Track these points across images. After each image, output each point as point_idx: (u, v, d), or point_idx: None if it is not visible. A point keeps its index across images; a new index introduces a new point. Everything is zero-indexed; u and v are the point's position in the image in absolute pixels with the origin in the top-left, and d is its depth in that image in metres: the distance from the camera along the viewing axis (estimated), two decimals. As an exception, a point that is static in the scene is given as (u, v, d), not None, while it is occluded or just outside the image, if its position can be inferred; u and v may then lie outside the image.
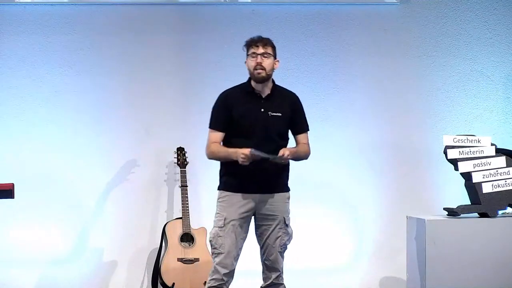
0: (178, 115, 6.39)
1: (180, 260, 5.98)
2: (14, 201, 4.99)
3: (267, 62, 4.73)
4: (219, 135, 4.77)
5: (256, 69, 4.72)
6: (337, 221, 6.41)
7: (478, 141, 5.45)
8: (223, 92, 4.85)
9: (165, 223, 6.16)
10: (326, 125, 6.44)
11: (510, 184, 5.41)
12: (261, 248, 4.85)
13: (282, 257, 4.86)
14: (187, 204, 6.01)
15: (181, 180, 6.09)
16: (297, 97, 4.92)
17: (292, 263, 6.28)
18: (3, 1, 6.27)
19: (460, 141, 5.43)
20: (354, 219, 6.44)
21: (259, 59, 4.72)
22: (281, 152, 4.63)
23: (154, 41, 6.36)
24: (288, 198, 4.90)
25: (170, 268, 5.96)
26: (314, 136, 6.39)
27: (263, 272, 4.87)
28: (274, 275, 4.83)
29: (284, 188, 4.89)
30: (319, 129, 6.43)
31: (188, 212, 6.00)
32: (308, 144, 4.91)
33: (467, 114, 6.53)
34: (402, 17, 6.51)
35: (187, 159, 6.16)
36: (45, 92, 6.31)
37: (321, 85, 6.47)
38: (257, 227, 4.83)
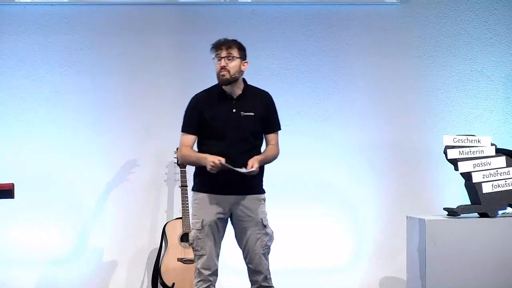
0: (178, 115, 6.33)
1: (180, 260, 5.98)
2: (14, 201, 5.00)
3: (231, 65, 4.72)
4: (191, 138, 4.78)
5: (220, 72, 4.73)
6: (337, 221, 6.41)
7: (478, 141, 5.45)
8: (194, 96, 4.87)
9: (165, 223, 6.16)
10: (326, 125, 6.44)
11: (510, 184, 5.41)
12: (243, 252, 4.82)
13: (266, 258, 4.80)
14: (187, 204, 6.01)
15: (181, 180, 6.09)
16: (270, 96, 4.91)
17: (292, 263, 6.30)
18: (3, 1, 6.27)
19: (460, 141, 5.43)
20: (354, 219, 6.43)
21: (222, 62, 4.72)
22: (249, 165, 4.61)
23: (154, 41, 6.36)
24: (264, 199, 4.85)
25: (170, 268, 5.96)
26: (314, 136, 6.43)
27: (249, 275, 4.84)
28: (260, 278, 4.79)
29: (259, 189, 4.84)
30: (319, 129, 6.44)
31: (188, 212, 6.00)
32: (277, 145, 4.88)
33: (467, 114, 6.53)
34: (402, 17, 6.51)
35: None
36: (45, 92, 6.31)
37: (321, 85, 6.46)
38: (235, 231, 4.81)
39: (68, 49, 6.32)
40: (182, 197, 6.04)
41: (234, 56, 4.74)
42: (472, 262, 5.30)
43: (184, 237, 6.02)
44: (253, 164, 4.62)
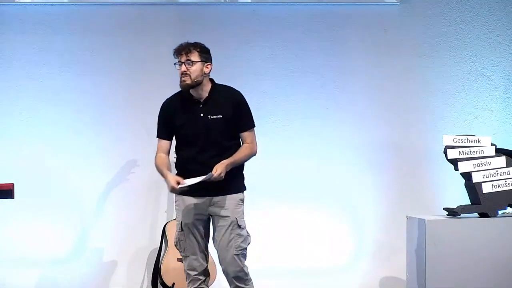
0: (178, 115, 6.38)
1: (180, 260, 5.97)
2: (14, 201, 4.99)
3: (192, 69, 4.70)
4: (165, 144, 4.82)
5: (181, 77, 4.72)
6: (337, 221, 6.40)
7: (478, 141, 5.45)
8: (164, 102, 4.89)
9: (165, 223, 6.16)
10: (326, 125, 6.44)
11: (510, 184, 5.41)
12: (217, 251, 4.79)
13: (241, 260, 4.73)
14: (187, 204, 6.01)
15: (181, 180, 6.08)
16: (238, 94, 4.84)
17: (292, 263, 6.30)
18: (3, 1, 6.27)
19: (460, 141, 5.43)
20: (354, 219, 6.43)
21: (183, 67, 4.71)
22: (214, 170, 4.58)
23: (154, 41, 6.36)
24: (242, 200, 4.80)
25: (170, 268, 5.96)
26: (314, 136, 6.43)
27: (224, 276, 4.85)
28: (231, 278, 4.74)
29: (236, 189, 4.79)
30: (319, 129, 6.44)
31: (188, 212, 6.00)
32: (252, 142, 4.81)
33: (467, 114, 6.53)
34: (402, 17, 6.51)
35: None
36: (45, 92, 6.31)
37: (321, 85, 6.46)
38: (213, 230, 4.80)
39: (68, 49, 6.32)
40: (182, 197, 6.03)
41: (194, 61, 4.72)
42: (472, 262, 5.30)
43: (184, 237, 6.02)
44: (217, 169, 4.58)
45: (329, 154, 6.41)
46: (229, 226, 4.72)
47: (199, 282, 4.78)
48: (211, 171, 4.56)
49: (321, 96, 6.46)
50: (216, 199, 4.73)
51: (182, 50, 4.75)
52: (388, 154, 6.46)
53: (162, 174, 4.74)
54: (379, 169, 6.44)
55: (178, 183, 4.59)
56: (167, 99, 4.89)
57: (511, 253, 5.33)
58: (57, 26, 6.31)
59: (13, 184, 4.78)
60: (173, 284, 5.93)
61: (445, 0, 6.53)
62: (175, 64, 4.76)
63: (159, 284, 6.00)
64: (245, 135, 4.80)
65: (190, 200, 4.74)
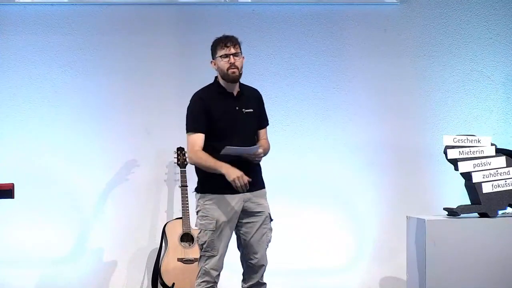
0: (178, 115, 6.33)
1: (180, 260, 5.98)
2: (14, 201, 4.99)
3: (239, 61, 4.72)
4: (201, 137, 4.68)
5: (231, 69, 4.69)
6: (337, 221, 6.41)
7: (478, 141, 5.45)
8: (196, 94, 4.80)
9: (165, 223, 6.16)
10: (326, 125, 6.44)
11: (510, 184, 5.41)
12: (244, 248, 4.78)
13: (266, 254, 4.83)
14: (187, 204, 6.01)
15: (181, 180, 6.09)
16: (259, 91, 4.93)
17: (292, 263, 6.30)
18: (3, 1, 6.27)
19: (460, 141, 5.43)
20: (354, 219, 6.43)
21: (231, 59, 4.69)
22: (259, 150, 4.65)
23: (154, 41, 6.36)
24: (266, 194, 4.87)
25: (170, 268, 5.96)
26: (313, 136, 6.43)
27: (245, 272, 4.82)
28: (260, 274, 4.78)
29: (263, 184, 4.87)
30: (319, 129, 6.44)
31: (188, 212, 6.00)
32: (268, 139, 4.92)
33: (467, 114, 6.53)
34: (402, 17, 6.51)
35: (187, 159, 6.16)
36: (45, 92, 6.31)
37: (321, 85, 6.46)
38: (241, 225, 4.76)
39: (68, 49, 6.32)
40: (182, 197, 6.04)
41: (240, 52, 4.73)
42: (472, 262, 5.30)
43: (184, 237, 6.02)
44: (260, 148, 4.67)
45: (329, 154, 6.41)
46: (263, 221, 4.76)
47: (213, 284, 4.74)
48: (243, 167, 4.58)
49: (321, 96, 6.46)
50: (249, 195, 4.73)
51: (230, 42, 4.71)
52: (388, 154, 6.46)
53: (215, 166, 4.58)
54: (379, 169, 6.44)
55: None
56: (199, 91, 4.81)
57: (511, 253, 5.33)
58: (57, 26, 6.31)
59: (13, 184, 4.78)
60: (173, 284, 5.93)
61: (445, 0, 6.53)
62: (216, 56, 4.71)
63: (159, 284, 6.00)
64: (263, 131, 4.90)
65: (228, 199, 4.69)
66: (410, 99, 6.50)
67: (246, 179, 4.54)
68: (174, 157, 6.18)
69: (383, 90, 6.48)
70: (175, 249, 6.00)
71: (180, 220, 6.06)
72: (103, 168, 6.30)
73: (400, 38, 6.50)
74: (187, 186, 6.05)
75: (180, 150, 6.16)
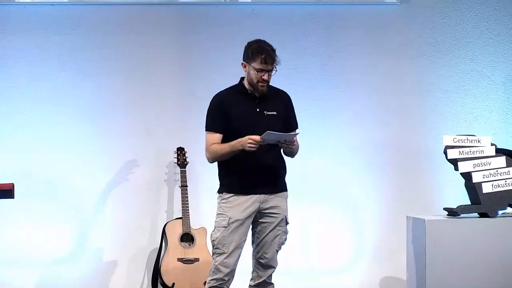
0: (178, 115, 6.39)
1: (180, 260, 5.98)
2: (14, 201, 4.99)
3: (271, 76, 4.76)
4: (218, 137, 4.76)
5: (261, 83, 4.73)
6: (337, 221, 6.41)
7: (478, 141, 5.45)
8: (217, 94, 4.86)
9: (165, 223, 6.16)
10: (326, 125, 6.44)
11: (510, 184, 5.41)
12: (256, 245, 4.85)
13: (276, 256, 4.87)
14: (187, 204, 6.01)
15: (181, 180, 6.09)
16: (288, 95, 4.95)
17: (292, 263, 6.30)
18: (3, 1, 6.27)
19: (460, 141, 5.43)
20: (354, 219, 6.43)
21: (266, 76, 4.73)
22: (292, 139, 4.69)
23: (154, 41, 6.36)
24: (287, 197, 4.93)
25: (170, 268, 5.96)
26: (314, 136, 6.43)
27: (254, 270, 4.87)
28: (268, 274, 4.83)
29: (285, 187, 4.93)
30: (319, 129, 6.44)
31: (188, 212, 6.00)
32: (297, 141, 4.92)
33: (467, 114, 6.53)
34: (402, 17, 6.51)
35: (187, 159, 6.16)
36: (45, 92, 6.31)
37: (321, 85, 6.47)
38: (257, 224, 4.83)
39: (68, 49, 6.32)
40: (182, 197, 6.04)
41: (275, 68, 4.76)
42: (472, 262, 5.30)
43: (184, 237, 6.02)
44: (295, 139, 4.72)
45: (329, 154, 6.41)
46: (279, 222, 4.81)
47: (222, 282, 4.75)
48: (265, 168, 4.69)
49: (320, 96, 6.46)
50: (268, 196, 4.79)
51: (270, 59, 4.71)
52: (388, 154, 6.46)
53: (231, 146, 4.67)
54: (379, 169, 6.45)
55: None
56: (220, 93, 4.85)
57: (511, 253, 5.33)
58: (57, 26, 6.31)
59: (13, 184, 4.78)
60: (173, 284, 5.93)
61: (445, 0, 6.53)
62: (251, 64, 4.71)
63: (159, 284, 6.00)
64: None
65: (244, 199, 4.74)
66: (410, 99, 6.50)
67: (256, 138, 4.58)
68: (174, 157, 6.18)
69: (383, 90, 6.48)
70: (175, 249, 6.00)
71: (180, 220, 6.06)
72: (103, 168, 6.30)
73: (400, 38, 6.50)
74: (187, 186, 6.05)
75: (180, 150, 6.17)
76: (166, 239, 6.06)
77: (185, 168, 6.12)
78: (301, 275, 6.34)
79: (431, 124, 6.49)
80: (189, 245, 6.01)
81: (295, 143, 4.75)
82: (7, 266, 6.21)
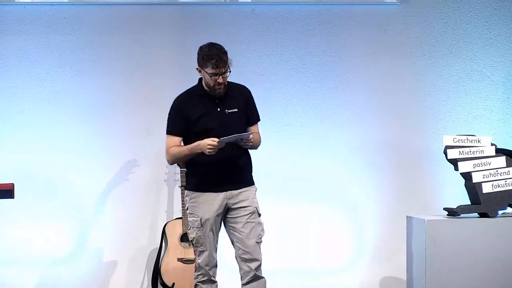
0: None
1: (180, 260, 5.98)
2: (14, 201, 4.99)
3: (226, 78, 4.79)
4: (177, 140, 4.85)
5: (217, 86, 4.77)
6: (337, 221, 6.41)
7: (478, 141, 5.45)
8: (177, 98, 4.93)
9: (165, 223, 6.16)
10: (326, 125, 6.44)
11: (510, 184, 5.40)
12: (235, 243, 4.87)
13: (260, 248, 4.87)
14: (187, 204, 6.01)
15: (181, 180, 6.09)
16: (248, 90, 4.97)
17: (292, 263, 6.30)
18: (3, 1, 6.27)
19: (460, 141, 5.43)
20: (354, 219, 6.43)
21: (220, 79, 4.76)
22: (251, 135, 4.72)
23: (154, 40, 6.36)
24: (255, 191, 4.93)
25: (170, 268, 5.96)
26: (314, 136, 6.43)
27: (241, 268, 4.89)
28: (254, 266, 4.84)
29: (251, 182, 4.93)
30: (319, 129, 6.44)
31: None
32: (259, 133, 4.97)
33: (467, 114, 6.53)
34: (402, 17, 6.51)
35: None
36: (45, 92, 6.31)
37: (321, 85, 6.46)
38: (228, 222, 4.87)
39: (68, 49, 6.32)
40: (182, 197, 6.03)
41: (228, 69, 4.79)
42: (472, 262, 5.30)
43: (184, 237, 6.02)
44: (253, 136, 4.74)
45: (329, 154, 6.41)
46: (251, 215, 4.84)
47: (208, 276, 4.88)
48: (227, 166, 4.72)
49: (320, 96, 6.46)
50: (234, 192, 4.83)
51: (222, 62, 4.73)
52: (388, 154, 6.46)
53: (190, 149, 4.76)
54: (379, 169, 6.44)
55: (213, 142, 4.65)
56: (179, 96, 4.93)
57: (511, 253, 5.33)
58: (57, 26, 6.31)
59: (13, 184, 4.78)
60: (173, 284, 5.93)
61: (445, 0, 6.53)
62: (204, 68, 4.76)
63: (159, 284, 6.00)
64: (253, 128, 4.94)
65: (210, 196, 4.81)
66: (410, 99, 6.50)
67: (214, 143, 4.63)
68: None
69: (383, 90, 6.48)
70: (175, 249, 6.00)
71: (180, 220, 6.06)
72: (103, 168, 6.31)
73: (400, 38, 6.50)
74: (187, 186, 6.05)
75: (180, 150, 6.16)
76: (166, 239, 6.06)
77: (185, 168, 6.11)
78: (301, 275, 6.34)
79: (431, 124, 6.49)
80: (189, 245, 6.00)
81: (251, 140, 4.75)
82: (7, 266, 6.21)
